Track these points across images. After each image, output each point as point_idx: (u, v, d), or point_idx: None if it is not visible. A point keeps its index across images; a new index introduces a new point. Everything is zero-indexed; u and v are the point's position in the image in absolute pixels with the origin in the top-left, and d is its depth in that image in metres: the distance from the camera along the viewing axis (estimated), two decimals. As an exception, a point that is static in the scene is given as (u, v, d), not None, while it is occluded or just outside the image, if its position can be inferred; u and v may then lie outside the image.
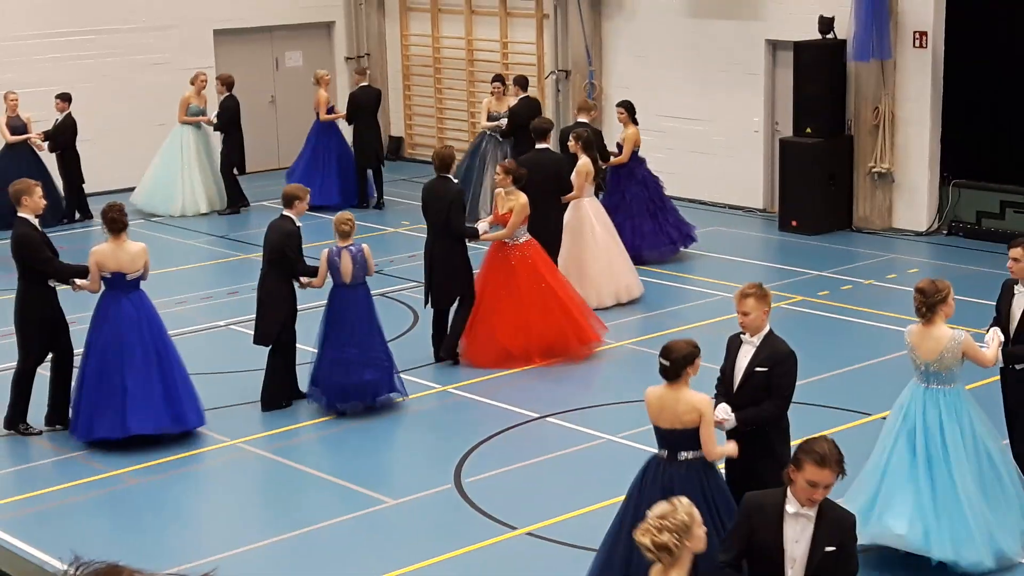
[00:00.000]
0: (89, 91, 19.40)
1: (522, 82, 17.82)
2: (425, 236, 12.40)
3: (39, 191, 10.60)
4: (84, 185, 17.83)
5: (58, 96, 17.50)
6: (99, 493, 9.89)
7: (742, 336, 7.83)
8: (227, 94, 18.32)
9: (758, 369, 7.71)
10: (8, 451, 10.58)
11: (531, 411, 11.17)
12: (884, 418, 10.52)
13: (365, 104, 18.46)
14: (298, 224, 11.14)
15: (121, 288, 10.41)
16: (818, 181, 16.64)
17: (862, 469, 8.47)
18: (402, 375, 11.51)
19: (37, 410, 10.84)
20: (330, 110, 18.74)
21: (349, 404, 11.07)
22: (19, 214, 10.54)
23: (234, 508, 9.80)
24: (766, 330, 7.78)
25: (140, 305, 10.49)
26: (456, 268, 11.98)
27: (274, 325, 11.13)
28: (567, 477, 9.97)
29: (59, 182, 17.60)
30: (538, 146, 13.55)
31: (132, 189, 18.19)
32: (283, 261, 11.05)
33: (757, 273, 15.25)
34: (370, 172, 18.58)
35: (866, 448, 10.02)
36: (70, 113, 17.47)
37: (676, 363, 7.30)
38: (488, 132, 17.62)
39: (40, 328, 10.62)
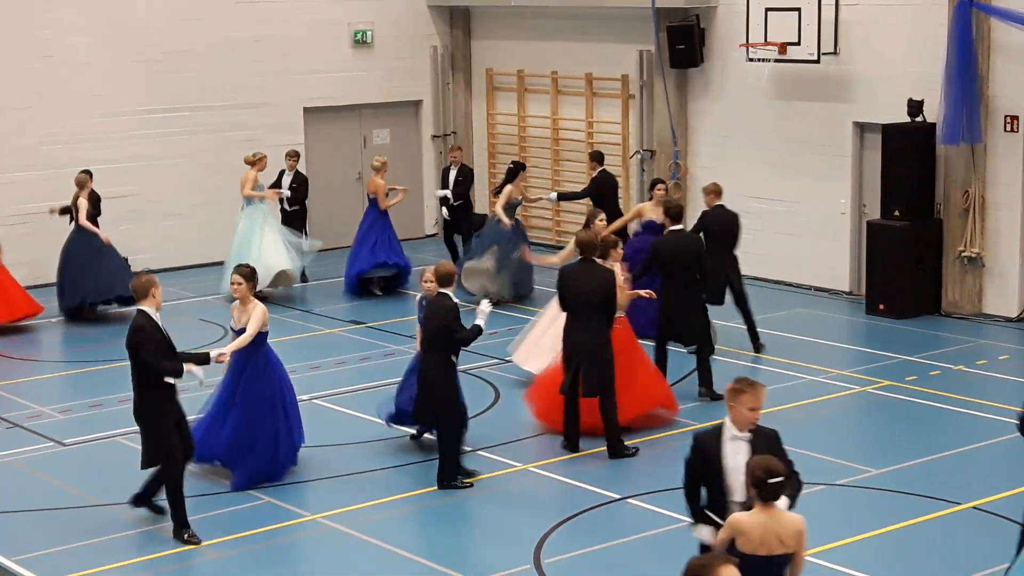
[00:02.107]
0: (182, 167, 19.81)
1: (598, 157, 17.83)
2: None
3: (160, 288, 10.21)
4: None
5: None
6: (177, 567, 9.92)
7: (734, 433, 7.29)
8: (297, 169, 18.59)
9: None
10: (87, 523, 10.63)
11: (612, 491, 11.06)
12: (975, 508, 10.29)
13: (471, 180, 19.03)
14: (455, 300, 11.14)
15: (265, 343, 11.14)
16: (906, 264, 16.45)
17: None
18: (482, 452, 11.51)
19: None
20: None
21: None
22: (141, 307, 10.10)
23: (312, 583, 9.78)
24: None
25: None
26: None
27: (434, 406, 11.12)
28: (648, 560, 9.82)
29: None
30: (673, 228, 13.55)
31: (221, 263, 18.22)
32: (447, 338, 10.98)
33: (844, 356, 15.10)
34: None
35: (954, 540, 9.79)
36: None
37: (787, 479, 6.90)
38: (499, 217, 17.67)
39: (166, 431, 10.10)
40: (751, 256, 17.54)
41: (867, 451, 11.92)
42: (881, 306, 16.59)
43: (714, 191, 15.21)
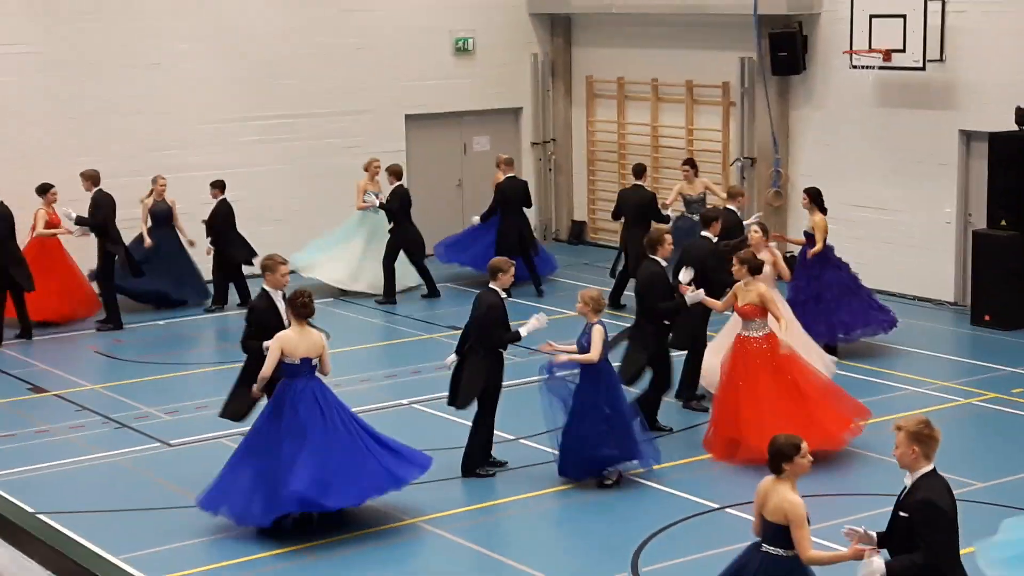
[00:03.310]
0: (285, 173, 20.08)
1: (639, 170, 17.68)
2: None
3: (283, 269, 11.04)
4: (243, 272, 17.83)
5: (212, 184, 17.74)
6: (279, 567, 10.06)
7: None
8: (397, 183, 18.22)
9: (901, 514, 7.01)
10: (192, 523, 10.78)
11: (710, 501, 11.01)
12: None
13: (511, 196, 18.56)
14: (502, 295, 11.33)
15: (307, 373, 10.40)
16: (1013, 275, 16.15)
17: None
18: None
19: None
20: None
21: (583, 477, 11.37)
22: (263, 286, 11.17)
23: (411, 586, 9.86)
24: (923, 469, 6.99)
25: (321, 388, 10.47)
26: None
27: (471, 394, 11.39)
28: (747, 571, 9.75)
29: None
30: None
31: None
32: (486, 333, 11.27)
33: (948, 368, 14.87)
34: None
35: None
36: (224, 199, 17.70)
37: (772, 457, 7.31)
38: (684, 213, 17.64)
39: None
40: (854, 265, 17.34)
41: (972, 464, 11.72)
42: (987, 317, 16.31)
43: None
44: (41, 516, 10.82)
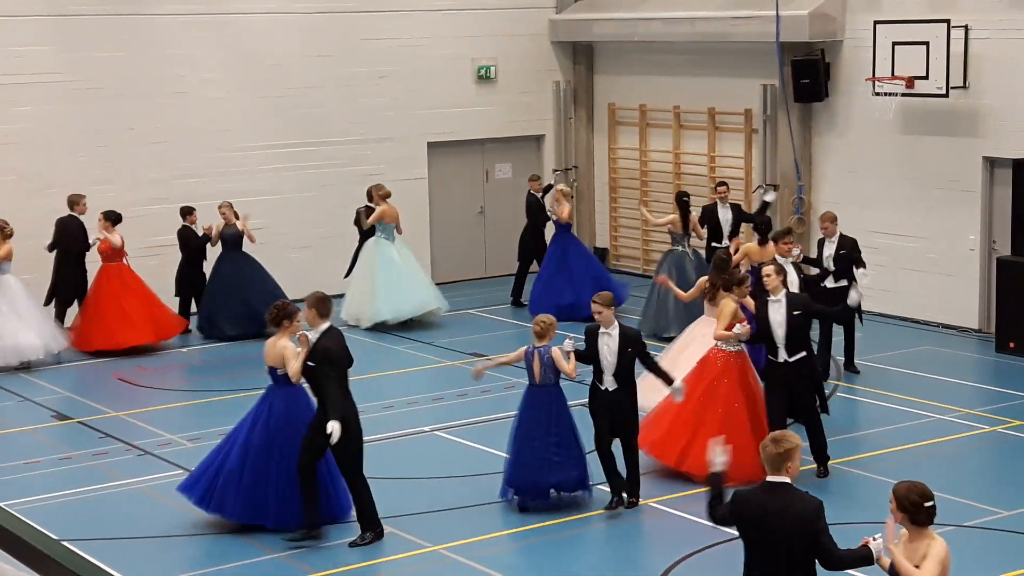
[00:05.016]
0: (308, 200, 20.15)
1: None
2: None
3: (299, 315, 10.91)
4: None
5: (182, 209, 17.91)
6: (303, 592, 10.06)
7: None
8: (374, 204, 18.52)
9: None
10: (213, 550, 10.79)
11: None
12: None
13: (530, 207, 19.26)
14: (600, 328, 11.28)
15: (274, 381, 10.91)
16: (1038, 302, 16.09)
17: None
18: (604, 487, 11.47)
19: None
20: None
21: (535, 502, 11.22)
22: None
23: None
24: (774, 479, 7.35)
25: (290, 401, 10.90)
26: None
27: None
28: (771, 599, 9.68)
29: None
30: None
31: (344, 295, 18.53)
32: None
33: (973, 395, 14.79)
34: None
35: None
36: (187, 226, 17.83)
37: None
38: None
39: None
40: (877, 292, 17.33)
41: (997, 492, 11.65)
42: (1011, 344, 16.23)
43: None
44: (65, 543, 10.82)
